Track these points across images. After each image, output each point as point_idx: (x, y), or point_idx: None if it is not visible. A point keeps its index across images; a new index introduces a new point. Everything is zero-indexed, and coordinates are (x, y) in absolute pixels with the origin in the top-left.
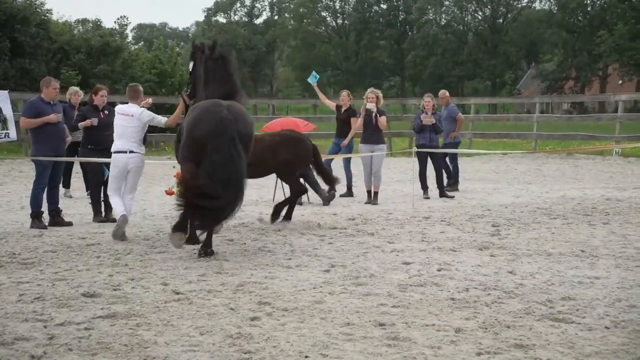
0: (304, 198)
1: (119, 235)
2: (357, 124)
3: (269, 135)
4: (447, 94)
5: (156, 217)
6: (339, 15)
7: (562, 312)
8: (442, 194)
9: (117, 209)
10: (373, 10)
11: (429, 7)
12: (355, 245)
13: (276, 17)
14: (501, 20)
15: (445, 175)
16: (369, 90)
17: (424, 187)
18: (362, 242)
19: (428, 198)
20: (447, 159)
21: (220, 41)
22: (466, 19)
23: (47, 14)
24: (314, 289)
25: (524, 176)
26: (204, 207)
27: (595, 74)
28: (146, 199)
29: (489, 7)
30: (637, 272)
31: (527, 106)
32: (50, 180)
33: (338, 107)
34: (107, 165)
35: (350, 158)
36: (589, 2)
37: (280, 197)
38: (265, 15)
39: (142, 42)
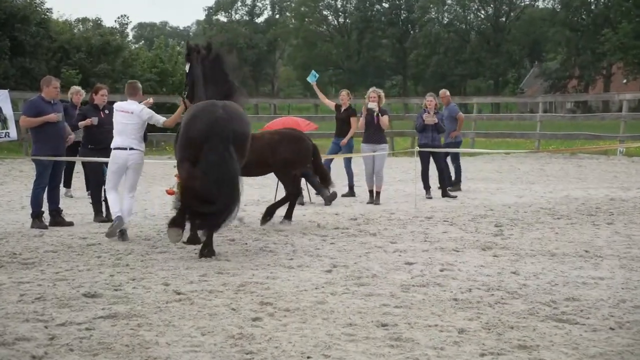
0: (305, 198)
1: (113, 235)
2: (358, 123)
3: (268, 133)
4: (448, 93)
5: (157, 217)
6: (340, 13)
7: (566, 312)
8: (445, 194)
9: (113, 209)
10: (375, 8)
11: (431, 5)
12: (358, 246)
13: (277, 16)
14: (504, 19)
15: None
16: (370, 89)
17: (427, 187)
18: (364, 242)
19: (430, 198)
20: (449, 159)
21: (219, 41)
22: (469, 17)
23: (47, 13)
24: (316, 289)
25: (527, 176)
26: (202, 213)
27: (599, 72)
28: (147, 198)
29: (491, 5)
30: None
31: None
32: (50, 180)
33: (337, 107)
34: (108, 164)
35: (350, 158)
36: (592, 0)
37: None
38: (266, 14)
39: (143, 41)
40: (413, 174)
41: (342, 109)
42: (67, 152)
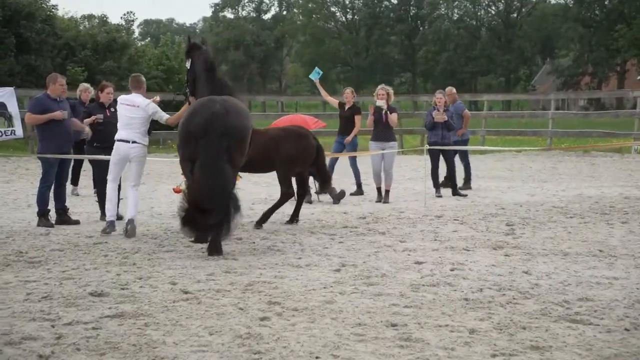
0: (313, 196)
1: (107, 233)
2: (367, 121)
3: (272, 130)
4: (454, 90)
5: (164, 216)
6: (348, 10)
7: (580, 313)
8: (455, 193)
9: (108, 210)
10: (383, 5)
11: (441, 1)
12: (366, 245)
13: (285, 13)
14: (515, 15)
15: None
16: (379, 87)
17: (436, 185)
18: (373, 241)
19: (440, 196)
20: (457, 158)
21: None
22: (479, 13)
23: (53, 10)
24: (325, 288)
25: (539, 174)
26: (204, 223)
27: (613, 69)
28: (154, 197)
29: (502, 1)
30: None
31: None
32: (56, 178)
33: (341, 105)
34: None
35: (355, 156)
36: None
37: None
38: (273, 11)
39: (149, 38)
40: (423, 172)
41: (346, 107)
42: (75, 150)
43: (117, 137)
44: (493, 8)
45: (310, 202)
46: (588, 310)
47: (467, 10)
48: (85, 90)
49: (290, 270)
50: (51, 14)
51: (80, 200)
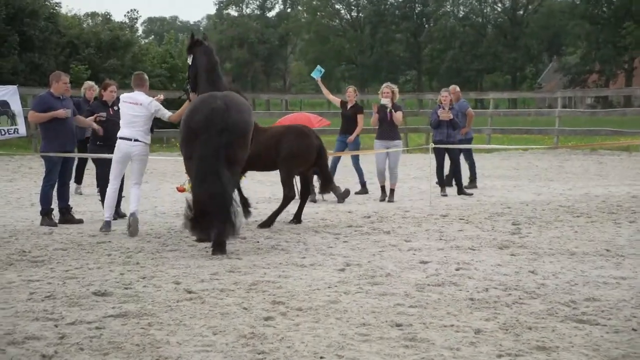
0: (317, 196)
1: (103, 232)
2: (371, 119)
3: (275, 127)
4: (458, 89)
5: (167, 215)
6: (353, 7)
7: (587, 313)
8: (461, 191)
9: (105, 210)
10: (388, 2)
11: None
12: (371, 244)
13: (289, 10)
14: (522, 12)
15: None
16: (384, 85)
17: (441, 184)
18: (378, 241)
19: (446, 195)
20: (462, 156)
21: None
22: (485, 10)
23: (56, 8)
24: (329, 288)
25: (546, 173)
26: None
27: (621, 66)
28: (157, 196)
29: None
30: None
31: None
32: (60, 177)
33: (344, 103)
34: None
35: (357, 155)
36: None
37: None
38: (277, 8)
39: (153, 36)
40: (428, 171)
41: (349, 106)
42: (79, 149)
43: (119, 134)
44: (499, 5)
45: (314, 201)
46: (595, 311)
47: (473, 7)
48: (90, 88)
49: (295, 270)
50: (54, 11)
51: (84, 199)
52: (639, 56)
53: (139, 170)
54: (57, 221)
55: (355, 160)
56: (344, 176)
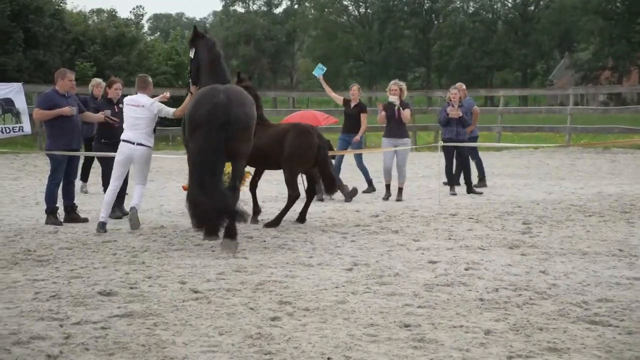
0: (324, 195)
1: (98, 233)
2: (378, 117)
3: (278, 125)
4: (464, 86)
5: (173, 214)
6: (361, 3)
7: (599, 314)
8: (470, 190)
9: (103, 212)
10: None
11: None
12: (379, 243)
13: (296, 6)
14: (532, 7)
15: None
16: (392, 82)
17: (450, 183)
18: (386, 240)
19: (455, 194)
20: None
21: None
22: (495, 6)
23: (61, 4)
24: (337, 288)
25: (557, 171)
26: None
27: (634, 63)
28: (163, 194)
29: None
30: None
31: (560, 98)
32: (65, 176)
33: (347, 102)
34: None
35: (360, 154)
36: None
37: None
38: (285, 5)
39: (159, 33)
40: (437, 170)
41: (352, 105)
42: (86, 147)
43: (122, 137)
44: (509, 1)
45: (321, 200)
46: (607, 311)
47: (483, 3)
48: (98, 86)
49: (302, 270)
50: (60, 8)
51: (89, 197)
52: None
53: (142, 172)
54: (62, 220)
55: (359, 159)
56: (351, 175)
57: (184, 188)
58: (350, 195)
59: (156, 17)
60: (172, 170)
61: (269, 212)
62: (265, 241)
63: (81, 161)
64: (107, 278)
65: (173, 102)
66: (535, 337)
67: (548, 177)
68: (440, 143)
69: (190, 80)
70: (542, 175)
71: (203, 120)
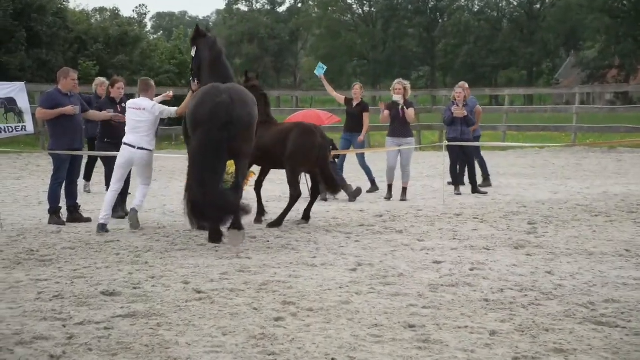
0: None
1: (98, 234)
2: (381, 117)
3: (283, 124)
4: (467, 85)
5: (176, 213)
6: (365, 2)
7: (606, 315)
8: (475, 190)
9: (102, 212)
10: None
11: None
12: (383, 243)
13: (300, 5)
14: (538, 6)
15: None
16: (396, 81)
17: (455, 183)
18: (390, 240)
19: (459, 194)
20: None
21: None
22: (501, 4)
23: (64, 3)
24: (340, 288)
25: (563, 171)
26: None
27: None
28: (166, 194)
29: None
30: None
31: (566, 97)
32: (68, 175)
33: (349, 101)
34: None
35: (363, 153)
36: None
37: (304, 193)
38: (288, 3)
39: (162, 32)
40: (441, 169)
41: (355, 104)
42: (89, 146)
43: (124, 140)
44: None
45: (325, 199)
46: (614, 312)
47: (488, 1)
48: (101, 85)
49: (305, 270)
50: (62, 7)
51: (92, 197)
52: None
53: (144, 174)
54: (65, 220)
55: (361, 158)
56: (355, 174)
57: None
58: (354, 195)
59: (159, 16)
60: (175, 170)
61: (273, 212)
62: (268, 241)
63: (84, 160)
64: (110, 278)
65: (176, 101)
66: (541, 338)
67: (554, 176)
68: (445, 142)
69: (191, 78)
70: (547, 175)
71: (205, 119)
